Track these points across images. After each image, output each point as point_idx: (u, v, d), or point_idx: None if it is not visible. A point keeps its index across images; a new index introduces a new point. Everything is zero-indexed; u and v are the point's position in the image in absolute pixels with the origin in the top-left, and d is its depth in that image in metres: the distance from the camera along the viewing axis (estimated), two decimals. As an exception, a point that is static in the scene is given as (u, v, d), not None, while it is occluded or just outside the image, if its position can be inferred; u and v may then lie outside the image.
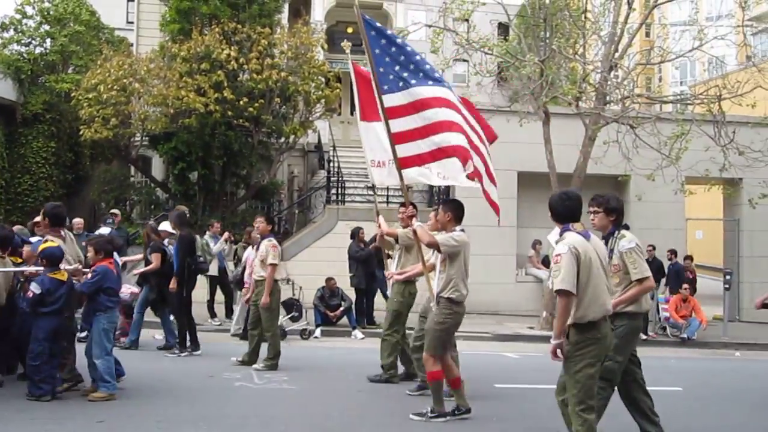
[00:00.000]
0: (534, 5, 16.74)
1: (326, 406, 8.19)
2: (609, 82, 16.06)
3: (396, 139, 8.11)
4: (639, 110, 16.85)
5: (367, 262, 14.38)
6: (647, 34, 31.98)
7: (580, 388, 5.48)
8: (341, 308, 14.13)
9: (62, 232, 8.48)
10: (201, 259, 11.98)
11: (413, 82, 8.15)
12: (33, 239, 8.94)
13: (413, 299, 9.24)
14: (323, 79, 20.16)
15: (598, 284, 5.51)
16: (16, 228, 9.87)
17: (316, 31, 21.66)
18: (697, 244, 26.90)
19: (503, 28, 23.10)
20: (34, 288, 7.55)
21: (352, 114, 7.68)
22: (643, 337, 15.36)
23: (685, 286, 15.98)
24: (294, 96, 19.91)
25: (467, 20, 16.82)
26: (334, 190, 19.79)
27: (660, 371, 12.14)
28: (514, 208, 18.18)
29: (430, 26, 17.23)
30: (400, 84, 8.18)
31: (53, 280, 7.66)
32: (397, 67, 8.21)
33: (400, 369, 9.51)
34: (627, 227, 6.75)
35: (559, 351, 5.47)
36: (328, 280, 14.24)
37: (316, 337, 13.80)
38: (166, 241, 11.54)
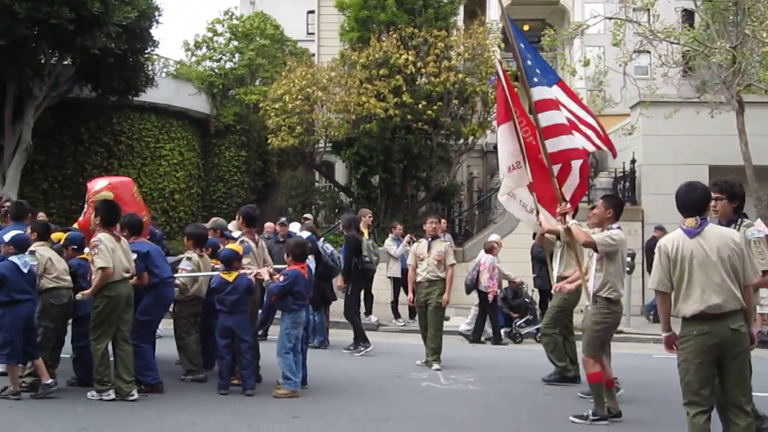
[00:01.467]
0: (723, -12, 15.81)
1: (513, 407, 8.09)
2: (812, 66, 14.92)
3: (545, 133, 7.93)
4: None
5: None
6: None
7: (680, 381, 5.39)
8: (525, 309, 13.94)
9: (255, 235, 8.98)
10: (367, 259, 12.22)
11: (550, 79, 8.14)
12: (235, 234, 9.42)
13: (579, 297, 8.88)
14: (501, 79, 20.00)
15: (695, 280, 5.30)
16: (213, 221, 10.50)
17: (492, 30, 21.54)
18: None
19: (688, 15, 22.01)
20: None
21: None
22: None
23: None
24: (472, 97, 19.92)
25: (649, 9, 16.16)
26: (514, 191, 19.55)
27: None
28: (705, 205, 17.21)
29: (610, 18, 16.70)
30: (545, 80, 8.07)
31: (221, 279, 8.07)
32: (541, 63, 8.17)
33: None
34: (746, 216, 6.23)
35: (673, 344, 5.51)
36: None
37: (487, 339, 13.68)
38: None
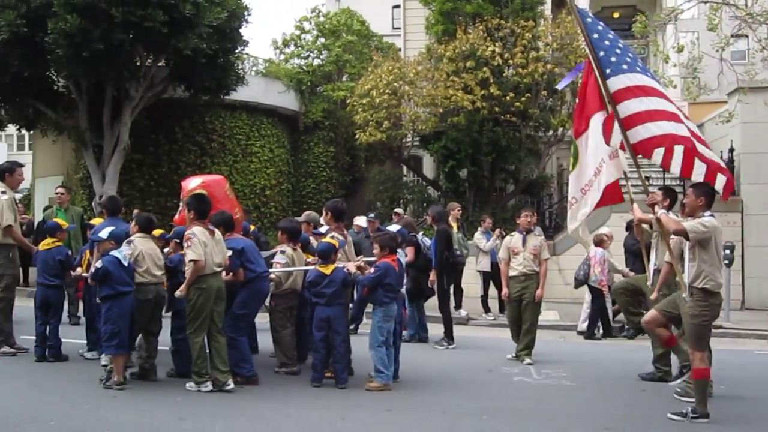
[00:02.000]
0: (831, -36, 15.03)
1: (608, 403, 7.92)
2: None
3: (626, 123, 7.70)
4: None
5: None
6: None
7: None
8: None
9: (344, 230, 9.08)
10: (458, 252, 12.14)
11: (625, 68, 7.79)
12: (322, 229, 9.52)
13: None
14: (591, 68, 19.60)
15: None
16: (306, 214, 10.65)
17: (581, 19, 21.11)
18: None
19: (791, -4, 21.10)
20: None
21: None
22: None
23: None
24: (561, 87, 19.61)
25: (749, -10, 15.53)
26: (605, 182, 19.16)
27: None
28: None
29: (705, 2, 16.14)
30: (624, 67, 7.79)
31: (318, 272, 8.15)
32: (617, 50, 7.87)
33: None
34: None
35: None
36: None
37: (580, 332, 13.44)
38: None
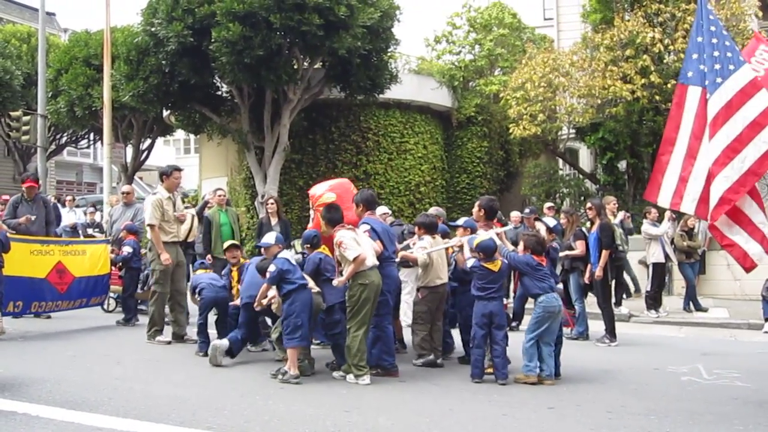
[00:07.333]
0: None
1: (788, 407, 7.45)
2: None
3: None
4: None
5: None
6: None
7: None
8: (797, 301, 12.81)
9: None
10: (620, 248, 11.82)
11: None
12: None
13: None
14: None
15: None
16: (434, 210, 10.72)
17: (748, -2, 19.98)
18: None
19: None
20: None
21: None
22: None
23: None
24: (728, 72, 18.63)
25: None
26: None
27: None
28: None
29: None
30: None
31: (484, 269, 8.12)
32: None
33: None
34: None
35: None
36: None
37: (766, 332, 12.69)
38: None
